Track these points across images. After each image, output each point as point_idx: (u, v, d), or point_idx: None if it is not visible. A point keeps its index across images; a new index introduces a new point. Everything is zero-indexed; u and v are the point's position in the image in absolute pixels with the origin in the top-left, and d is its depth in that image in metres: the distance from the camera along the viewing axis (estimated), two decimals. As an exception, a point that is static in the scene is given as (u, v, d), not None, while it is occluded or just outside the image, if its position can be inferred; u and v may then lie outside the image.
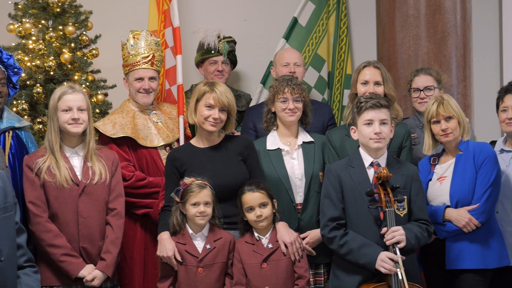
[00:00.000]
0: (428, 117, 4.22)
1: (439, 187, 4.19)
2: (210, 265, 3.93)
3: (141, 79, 4.66)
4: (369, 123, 3.88)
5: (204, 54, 5.50)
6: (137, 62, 4.68)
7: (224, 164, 4.14)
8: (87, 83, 5.20)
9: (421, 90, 4.68)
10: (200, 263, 3.92)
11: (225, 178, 4.08)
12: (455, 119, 4.16)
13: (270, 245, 3.98)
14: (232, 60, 5.59)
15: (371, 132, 3.86)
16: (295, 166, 4.36)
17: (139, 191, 4.48)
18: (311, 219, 4.28)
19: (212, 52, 5.47)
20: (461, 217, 4.08)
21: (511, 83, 4.38)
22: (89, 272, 4.01)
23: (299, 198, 4.33)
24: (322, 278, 4.35)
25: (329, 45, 5.85)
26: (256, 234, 4.01)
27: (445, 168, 4.20)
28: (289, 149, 4.38)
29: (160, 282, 3.99)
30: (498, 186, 4.15)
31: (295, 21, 5.70)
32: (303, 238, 4.21)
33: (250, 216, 3.98)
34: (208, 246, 3.95)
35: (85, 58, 5.33)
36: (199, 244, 3.97)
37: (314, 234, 4.24)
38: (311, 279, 4.24)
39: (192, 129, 4.73)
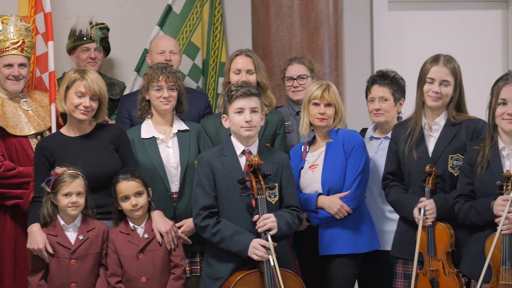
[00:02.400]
0: (310, 98, 4.25)
1: (311, 175, 4.25)
2: (83, 256, 3.87)
3: (10, 65, 4.53)
4: (240, 111, 3.90)
5: (76, 41, 5.38)
6: (6, 48, 4.55)
7: (96, 153, 4.08)
8: (-50, 70, 4.99)
9: (294, 79, 4.73)
10: (73, 255, 3.85)
11: (97, 168, 4.02)
12: (333, 108, 4.23)
13: (146, 235, 3.95)
14: (105, 47, 5.49)
15: (242, 120, 3.89)
16: (170, 155, 4.34)
17: (9, 181, 4.37)
18: (187, 208, 4.26)
19: (84, 39, 5.36)
20: (333, 204, 4.16)
21: (378, 74, 4.47)
22: (-46, 266, 3.88)
23: (174, 186, 4.32)
24: (198, 267, 4.35)
25: (203, 33, 5.84)
26: (131, 224, 3.98)
27: (316, 156, 4.27)
28: (164, 137, 4.36)
29: (31, 276, 3.89)
30: (367, 173, 4.26)
31: (169, 9, 5.65)
32: (179, 227, 4.20)
33: (125, 206, 3.94)
34: (81, 237, 3.89)
35: (-52, 43, 5.11)
36: (72, 235, 3.90)
37: (189, 223, 4.21)
38: (187, 268, 4.24)
39: (63, 118, 4.63)
